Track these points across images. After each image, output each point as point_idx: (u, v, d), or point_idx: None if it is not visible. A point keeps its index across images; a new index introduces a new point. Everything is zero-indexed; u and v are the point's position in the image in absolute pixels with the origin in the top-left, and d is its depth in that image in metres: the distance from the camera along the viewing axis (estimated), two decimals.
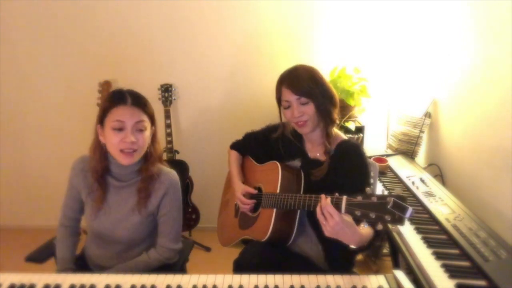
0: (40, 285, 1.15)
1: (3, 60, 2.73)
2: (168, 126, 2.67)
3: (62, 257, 1.50)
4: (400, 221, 1.02)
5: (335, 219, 1.15)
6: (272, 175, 1.57)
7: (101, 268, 1.51)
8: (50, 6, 2.61)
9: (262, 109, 2.76)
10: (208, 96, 2.81)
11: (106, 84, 2.67)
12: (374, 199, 1.07)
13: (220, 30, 2.66)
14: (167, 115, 2.68)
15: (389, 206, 1.03)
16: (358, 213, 1.10)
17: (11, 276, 1.19)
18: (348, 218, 1.17)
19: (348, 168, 1.45)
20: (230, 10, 2.61)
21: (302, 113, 1.45)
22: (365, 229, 1.26)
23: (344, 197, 1.14)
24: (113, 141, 1.35)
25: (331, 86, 1.51)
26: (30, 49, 2.72)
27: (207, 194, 2.81)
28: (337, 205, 1.15)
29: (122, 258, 1.49)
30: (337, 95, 1.52)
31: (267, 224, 1.49)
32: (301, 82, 1.45)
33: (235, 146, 1.85)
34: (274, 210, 1.49)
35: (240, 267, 1.47)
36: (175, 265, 1.55)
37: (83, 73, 2.75)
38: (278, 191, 1.50)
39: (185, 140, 2.88)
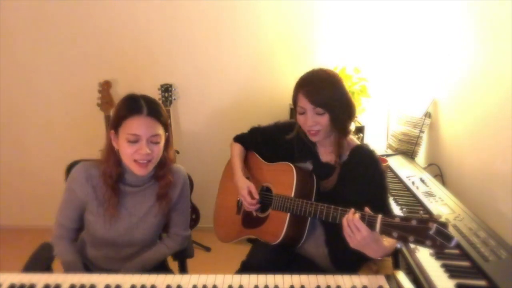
0: (40, 285, 1.15)
1: (3, 60, 2.73)
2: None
3: (71, 261, 1.44)
4: (442, 247, 1.00)
5: (363, 234, 1.13)
6: (285, 177, 1.51)
7: (107, 271, 1.49)
8: (50, 6, 2.61)
9: (262, 108, 2.76)
10: (208, 96, 2.81)
11: (106, 84, 2.67)
12: (414, 223, 1.04)
13: (220, 30, 2.66)
14: (167, 115, 2.67)
15: (431, 232, 1.01)
16: (395, 234, 1.07)
17: (11, 276, 1.19)
18: (376, 233, 1.15)
19: (361, 179, 1.40)
20: (230, 10, 2.61)
21: (316, 123, 1.39)
22: (389, 242, 1.23)
23: (379, 216, 1.12)
24: (127, 152, 1.33)
25: (350, 95, 1.44)
26: (30, 49, 2.71)
27: (207, 194, 2.80)
28: (370, 223, 1.13)
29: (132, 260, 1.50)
30: (355, 106, 1.46)
31: (279, 228, 1.46)
32: (320, 93, 1.38)
33: (240, 139, 1.77)
34: (288, 214, 1.45)
35: (248, 269, 1.44)
36: (186, 250, 1.63)
37: (83, 73, 2.75)
38: (292, 195, 1.46)
39: (185, 140, 2.88)
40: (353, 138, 1.52)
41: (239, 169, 1.69)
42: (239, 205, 1.74)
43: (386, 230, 1.09)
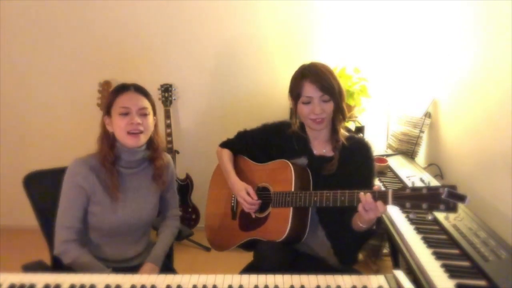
0: (40, 285, 1.15)
1: (3, 60, 2.73)
2: (168, 126, 2.67)
3: (90, 262, 1.43)
4: (454, 209, 1.10)
5: (381, 211, 1.24)
6: (283, 174, 1.54)
7: (118, 262, 1.53)
8: (50, 7, 2.61)
9: (262, 108, 2.76)
10: (208, 96, 2.81)
11: (106, 84, 2.67)
12: (425, 191, 1.13)
13: (220, 30, 2.66)
14: (167, 115, 2.68)
15: (443, 196, 1.08)
16: (408, 204, 1.16)
17: (11, 276, 1.19)
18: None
19: (359, 163, 1.50)
20: (230, 10, 2.61)
21: (323, 110, 1.46)
22: None
23: (390, 191, 1.21)
24: (120, 125, 1.44)
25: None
26: (30, 49, 2.72)
27: (207, 194, 2.80)
28: (382, 199, 1.23)
29: (139, 245, 1.59)
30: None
31: (283, 223, 1.48)
32: (326, 79, 1.45)
33: (228, 144, 1.78)
34: (291, 209, 1.47)
35: (259, 270, 1.42)
36: (182, 230, 1.76)
37: (83, 73, 2.75)
38: (292, 189, 1.49)
39: (185, 140, 2.88)
40: (343, 131, 1.59)
41: (233, 173, 1.69)
42: (234, 210, 1.72)
43: (399, 202, 1.19)
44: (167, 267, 1.66)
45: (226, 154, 1.76)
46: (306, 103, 1.48)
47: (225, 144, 1.79)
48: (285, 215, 1.48)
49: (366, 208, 1.25)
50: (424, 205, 1.12)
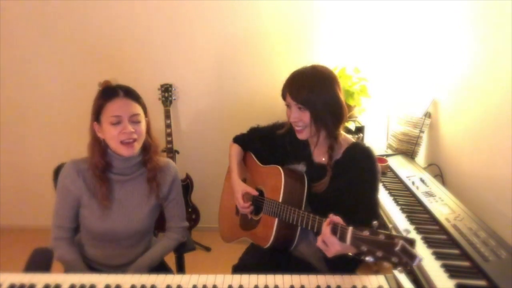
0: (40, 285, 1.15)
1: (3, 60, 2.73)
2: (168, 126, 2.67)
3: (73, 261, 1.45)
4: (406, 266, 0.97)
5: (336, 248, 1.12)
6: (275, 181, 1.50)
7: (109, 267, 1.52)
8: (50, 6, 2.61)
9: (262, 108, 2.76)
10: (208, 96, 2.81)
11: (106, 84, 2.67)
12: (382, 237, 1.01)
13: (220, 30, 2.66)
14: (167, 115, 2.67)
15: (396, 249, 0.97)
16: (364, 248, 1.04)
17: (11, 276, 1.19)
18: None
19: (354, 177, 1.38)
20: (230, 10, 2.61)
21: (299, 118, 1.41)
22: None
23: (350, 229, 1.08)
24: (112, 134, 1.38)
25: (340, 99, 1.40)
26: (30, 49, 2.72)
27: (207, 194, 2.80)
28: (342, 235, 1.10)
29: (133, 253, 1.53)
30: (345, 109, 1.42)
31: (269, 232, 1.46)
32: (301, 90, 1.39)
33: (239, 140, 1.76)
34: (276, 219, 1.45)
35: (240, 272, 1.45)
36: (186, 243, 1.67)
37: (83, 73, 2.75)
38: (280, 200, 1.45)
39: (185, 140, 2.88)
40: (348, 137, 1.50)
41: (235, 171, 1.68)
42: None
43: (356, 243, 1.06)
44: (165, 267, 1.67)
45: (235, 149, 1.74)
46: (288, 107, 1.46)
47: (236, 139, 1.77)
48: (271, 225, 1.47)
49: (327, 243, 1.14)
50: (379, 253, 1.00)
